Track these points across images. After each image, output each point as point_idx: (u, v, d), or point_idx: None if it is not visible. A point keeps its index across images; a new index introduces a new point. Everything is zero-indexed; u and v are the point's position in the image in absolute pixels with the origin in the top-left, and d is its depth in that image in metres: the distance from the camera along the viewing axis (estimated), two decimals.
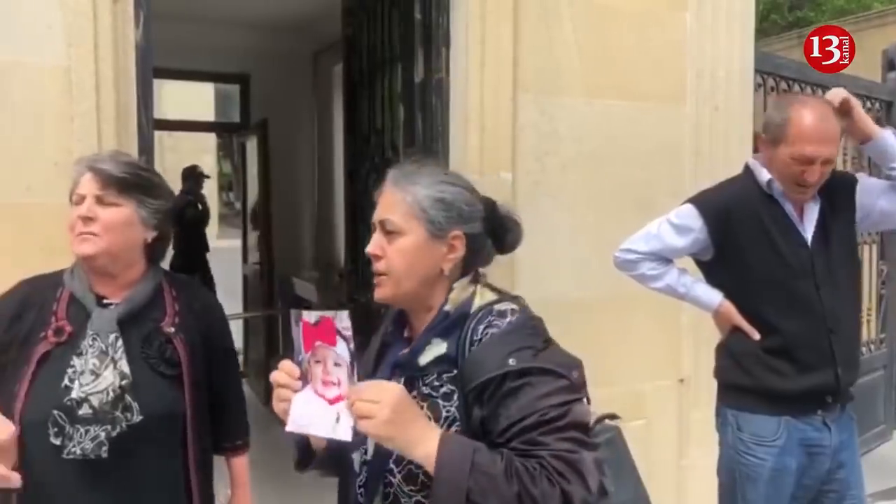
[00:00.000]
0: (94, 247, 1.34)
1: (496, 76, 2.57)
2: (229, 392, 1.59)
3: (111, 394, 1.29)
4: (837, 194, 1.90)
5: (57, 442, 1.27)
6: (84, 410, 1.28)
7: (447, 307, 1.12)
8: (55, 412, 1.28)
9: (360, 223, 3.21)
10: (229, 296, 4.87)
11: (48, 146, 1.94)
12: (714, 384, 2.07)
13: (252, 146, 5.27)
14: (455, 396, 1.07)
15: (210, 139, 16.86)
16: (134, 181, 1.40)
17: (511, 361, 1.03)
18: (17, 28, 1.90)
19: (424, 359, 1.10)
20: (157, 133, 2.63)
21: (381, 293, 1.13)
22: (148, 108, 2.16)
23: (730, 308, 1.90)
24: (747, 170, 1.93)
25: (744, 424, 1.87)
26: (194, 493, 1.44)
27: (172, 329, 1.43)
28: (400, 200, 1.12)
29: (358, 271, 3.21)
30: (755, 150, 2.03)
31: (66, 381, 1.30)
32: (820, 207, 1.88)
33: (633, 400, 2.85)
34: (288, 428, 1.03)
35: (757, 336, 1.85)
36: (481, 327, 1.08)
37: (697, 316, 2.65)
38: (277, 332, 4.57)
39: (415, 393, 1.08)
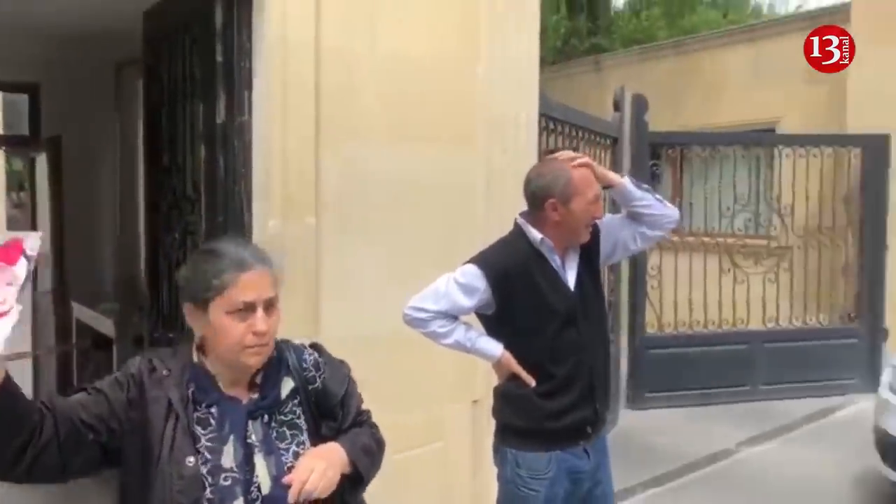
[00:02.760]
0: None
1: (299, 121, 2.64)
2: None
3: None
4: (590, 244, 2.18)
5: None
6: None
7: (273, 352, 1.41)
8: None
9: (161, 258, 3.13)
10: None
11: None
12: None
13: (42, 162, 4.87)
14: (300, 412, 1.41)
15: None
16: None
17: (346, 371, 1.53)
18: None
19: (283, 393, 1.40)
20: None
21: (262, 360, 1.36)
22: None
23: (510, 358, 2.09)
24: (519, 229, 2.14)
25: (521, 461, 2.09)
26: None
27: None
28: (271, 276, 1.36)
29: (160, 307, 3.13)
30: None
31: None
32: (579, 259, 2.15)
33: (432, 424, 3.06)
34: None
35: (533, 383, 2.06)
36: (305, 356, 1.46)
37: None
38: (72, 369, 4.23)
39: (273, 423, 1.37)
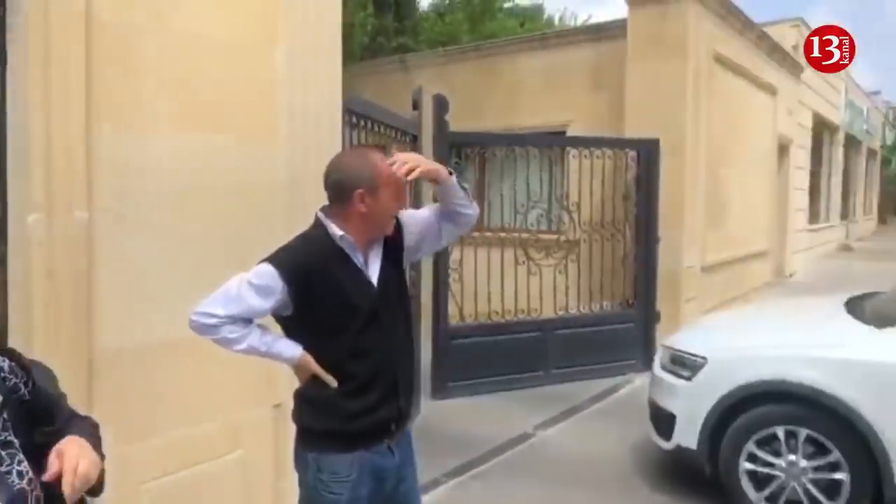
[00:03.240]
0: None
1: (65, 103, 2.34)
2: None
3: None
4: (394, 240, 2.14)
5: None
6: None
7: None
8: None
9: None
10: None
11: None
12: None
13: None
14: (10, 427, 1.25)
15: None
16: None
17: (49, 369, 1.45)
18: None
19: None
20: None
21: None
22: None
23: (309, 360, 1.99)
24: (320, 224, 2.04)
25: (323, 465, 2.01)
26: None
27: None
28: None
29: None
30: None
31: None
32: (383, 254, 2.09)
33: (231, 432, 2.88)
34: None
35: (335, 384, 1.98)
36: (4, 365, 1.28)
37: None
38: None
39: None
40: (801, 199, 14.14)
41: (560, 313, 6.37)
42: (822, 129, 16.15)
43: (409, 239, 2.17)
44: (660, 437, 4.12)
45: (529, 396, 5.80)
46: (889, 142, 28.49)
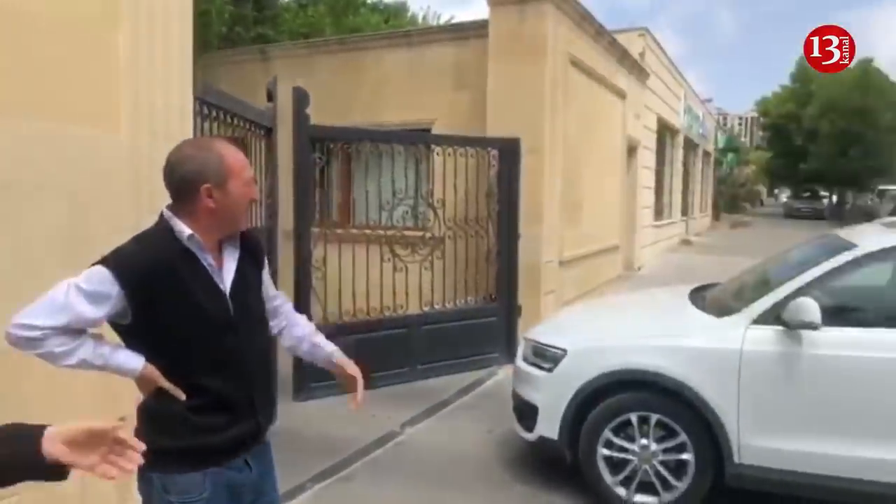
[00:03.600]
0: None
1: None
2: None
3: None
4: (255, 245, 2.03)
5: None
6: None
7: None
8: None
9: None
10: None
11: None
12: None
13: None
14: None
15: None
16: None
17: None
18: None
19: None
20: None
21: None
22: None
23: (153, 371, 1.82)
24: (165, 223, 1.86)
25: (170, 486, 1.84)
26: None
27: None
28: None
29: None
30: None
31: None
32: (240, 256, 1.95)
33: None
34: None
35: (183, 397, 1.82)
36: None
37: None
38: None
39: None
40: (647, 197, 15.15)
41: (425, 309, 6.38)
42: (664, 132, 17.39)
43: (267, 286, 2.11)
44: (523, 429, 4.22)
45: (395, 394, 5.78)
46: (720, 145, 31.34)
